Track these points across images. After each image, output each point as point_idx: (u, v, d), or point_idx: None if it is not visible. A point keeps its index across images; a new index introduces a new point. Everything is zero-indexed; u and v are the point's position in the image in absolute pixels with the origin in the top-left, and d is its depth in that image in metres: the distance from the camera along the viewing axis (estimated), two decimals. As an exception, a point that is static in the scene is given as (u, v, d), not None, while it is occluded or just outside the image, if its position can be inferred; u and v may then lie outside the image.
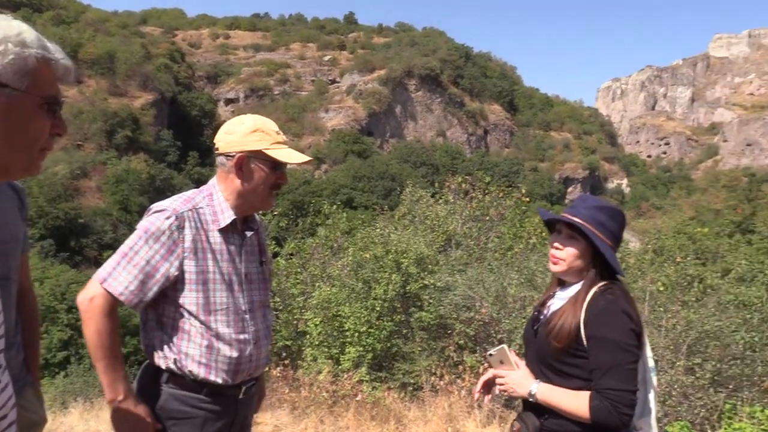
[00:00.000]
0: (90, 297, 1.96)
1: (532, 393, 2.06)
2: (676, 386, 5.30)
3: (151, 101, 71.53)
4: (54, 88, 1.31)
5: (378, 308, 7.27)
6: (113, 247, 37.88)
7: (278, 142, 2.14)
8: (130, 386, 2.01)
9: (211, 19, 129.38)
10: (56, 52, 1.31)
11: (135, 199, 55.24)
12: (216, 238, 2.08)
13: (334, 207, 11.07)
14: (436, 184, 12.90)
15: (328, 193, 67.02)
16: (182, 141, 71.94)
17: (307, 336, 7.55)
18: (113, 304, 1.98)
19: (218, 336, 2.05)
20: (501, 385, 2.17)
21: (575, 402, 1.96)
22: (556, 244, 2.15)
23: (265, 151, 2.09)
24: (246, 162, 2.09)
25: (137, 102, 69.74)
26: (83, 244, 50.33)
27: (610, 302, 1.97)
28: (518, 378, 2.13)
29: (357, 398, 5.75)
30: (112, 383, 1.97)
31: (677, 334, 5.78)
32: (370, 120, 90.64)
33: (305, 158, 2.17)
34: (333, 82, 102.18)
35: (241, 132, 2.11)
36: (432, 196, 11.50)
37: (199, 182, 2.30)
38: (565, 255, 2.12)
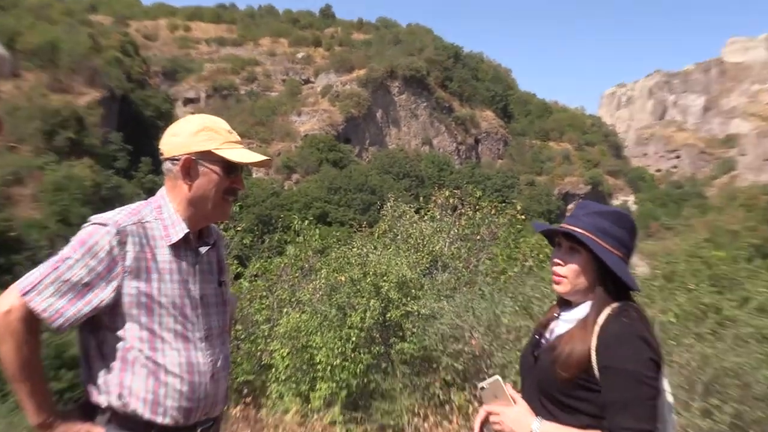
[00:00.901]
0: (6, 309, 1.89)
1: (534, 432, 2.00)
2: (691, 431, 5.31)
3: (99, 99, 70.89)
4: None
5: (354, 338, 7.22)
6: (51, 265, 37.08)
7: (230, 141, 2.13)
8: (57, 408, 1.97)
9: (170, 9, 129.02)
10: None
11: (77, 210, 54.39)
12: (165, 255, 2.05)
13: (306, 222, 11.02)
14: (421, 199, 12.95)
15: (299, 207, 66.92)
16: (134, 145, 71.30)
17: (273, 370, 7.47)
18: (33, 321, 1.91)
19: (167, 369, 2.01)
20: (496, 424, 2.07)
21: (584, 443, 1.90)
22: (556, 260, 2.12)
23: (215, 152, 2.09)
24: (193, 165, 2.08)
25: (82, 99, 69.07)
26: (14, 261, 49.40)
27: (625, 326, 1.92)
28: (516, 415, 2.04)
29: (329, 442, 5.68)
30: (40, 406, 1.92)
31: (691, 371, 5.79)
32: (347, 125, 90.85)
33: (261, 157, 2.17)
34: (306, 82, 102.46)
35: (187, 132, 2.10)
36: (416, 212, 11.51)
37: (152, 192, 2.29)
38: (566, 271, 2.08)
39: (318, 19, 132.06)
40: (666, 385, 2.02)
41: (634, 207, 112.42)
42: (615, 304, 2.00)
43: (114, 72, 77.23)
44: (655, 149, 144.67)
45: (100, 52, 77.56)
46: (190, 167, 2.08)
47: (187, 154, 2.07)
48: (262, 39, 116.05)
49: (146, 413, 1.99)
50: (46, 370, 2.06)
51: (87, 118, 66.77)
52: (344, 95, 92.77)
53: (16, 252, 50.31)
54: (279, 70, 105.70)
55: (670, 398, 2.03)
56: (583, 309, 2.07)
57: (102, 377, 2.00)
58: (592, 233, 2.03)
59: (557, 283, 2.11)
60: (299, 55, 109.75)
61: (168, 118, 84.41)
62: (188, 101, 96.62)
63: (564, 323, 2.13)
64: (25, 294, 1.90)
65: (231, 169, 2.12)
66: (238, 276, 9.85)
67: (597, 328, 1.95)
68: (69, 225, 53.27)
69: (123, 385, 1.98)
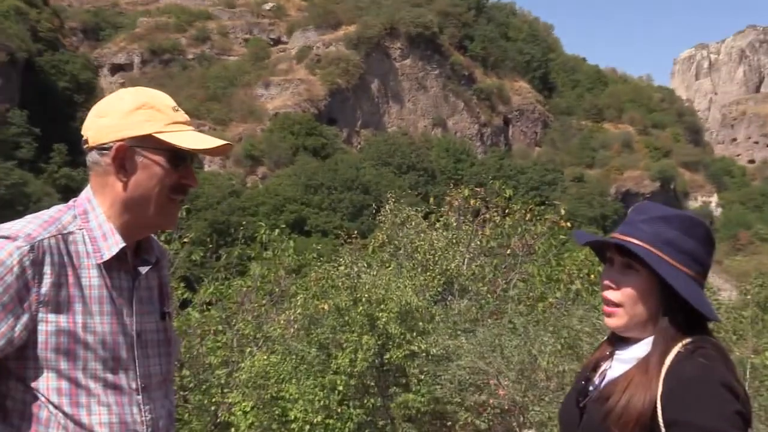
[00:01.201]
0: None
1: None
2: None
3: (-5, 65, 70.91)
4: None
5: (341, 387, 7.25)
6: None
7: (177, 122, 2.14)
8: None
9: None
10: None
11: (-35, 215, 54.51)
12: (93, 278, 2.05)
13: (276, 232, 11.05)
14: (432, 200, 12.99)
15: (267, 211, 66.85)
16: (43, 127, 71.19)
17: (232, 430, 7.49)
18: None
19: (93, 429, 2.01)
20: None
21: None
22: (607, 282, 2.11)
23: (157, 136, 2.08)
24: (129, 154, 2.07)
25: (-29, 66, 69.04)
26: None
27: (701, 369, 1.92)
28: None
29: None
30: None
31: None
32: (332, 101, 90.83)
33: (220, 141, 2.18)
34: (277, 42, 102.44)
35: (119, 111, 2.10)
36: (425, 218, 11.56)
37: (68, 191, 2.24)
38: (621, 297, 2.08)
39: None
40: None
41: (717, 211, 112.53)
42: (687, 340, 2.00)
43: (14, 28, 77.03)
44: (747, 133, 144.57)
45: (-5, 2, 77.45)
46: (124, 158, 2.06)
47: (120, 140, 2.05)
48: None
49: None
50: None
51: (-22, 91, 66.68)
52: (327, 60, 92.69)
53: None
54: (239, 26, 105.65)
55: None
56: (645, 346, 2.08)
57: None
58: (653, 246, 2.03)
59: (609, 315, 2.12)
60: (267, 6, 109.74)
61: (89, 91, 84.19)
62: (117, 68, 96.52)
63: (619, 364, 2.14)
64: None
65: (179, 159, 2.11)
66: (184, 304, 9.86)
67: (663, 372, 1.96)
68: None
69: (32, 453, 1.98)
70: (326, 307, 8.31)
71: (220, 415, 7.93)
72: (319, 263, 11.08)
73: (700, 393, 1.88)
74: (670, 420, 1.89)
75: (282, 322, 9.02)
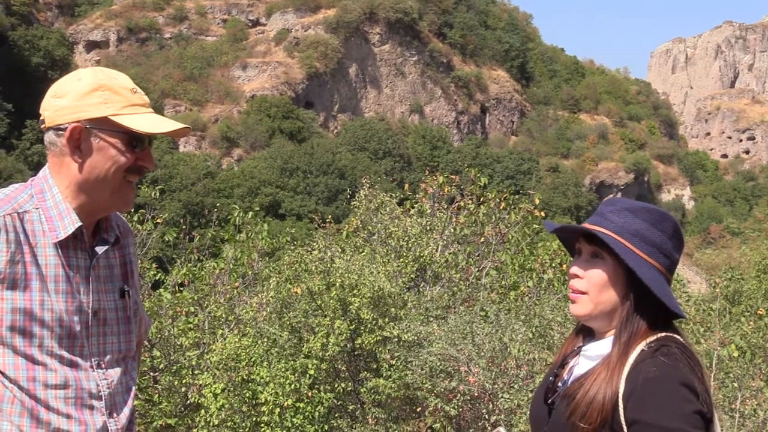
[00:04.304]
0: None
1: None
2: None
3: (-32, 40, 70.07)
4: None
5: (312, 371, 7.26)
6: None
7: (134, 104, 2.15)
8: None
9: None
10: None
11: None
12: (49, 257, 2.07)
13: (251, 214, 11.02)
14: (407, 186, 12.99)
15: (242, 193, 66.71)
16: (15, 103, 70.49)
17: (202, 412, 7.49)
18: None
19: (48, 405, 2.03)
20: None
21: None
22: (573, 271, 2.14)
23: (113, 118, 2.09)
24: (85, 135, 2.09)
25: (-54, 40, 68.18)
26: None
27: (662, 369, 1.95)
28: None
29: None
30: None
31: (758, 425, 5.92)
32: (309, 84, 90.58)
33: (176, 125, 2.19)
34: (255, 24, 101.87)
35: (76, 92, 2.10)
36: (399, 204, 11.56)
37: (41, 168, 2.29)
38: (586, 285, 2.10)
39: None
40: (720, 441, 2.05)
41: (690, 204, 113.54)
42: (651, 338, 2.04)
43: (-11, 2, 76.14)
44: (721, 127, 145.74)
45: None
46: (79, 139, 2.09)
47: (76, 121, 2.08)
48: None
49: None
50: None
51: (-50, 65, 65.90)
52: (306, 43, 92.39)
53: None
54: (218, 6, 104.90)
55: None
56: (610, 342, 2.10)
57: None
58: (620, 236, 2.05)
59: (574, 302, 2.14)
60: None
61: (64, 67, 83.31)
62: (93, 45, 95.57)
63: (585, 360, 2.17)
64: None
65: (135, 141, 2.13)
66: (156, 285, 9.82)
67: (626, 370, 1.99)
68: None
69: (-12, 426, 2.00)
70: (299, 291, 8.31)
71: (190, 396, 7.92)
72: (293, 247, 11.08)
73: (660, 393, 1.92)
74: (631, 419, 1.93)
75: (254, 305, 9.00)
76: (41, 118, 2.14)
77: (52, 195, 2.11)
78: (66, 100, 2.09)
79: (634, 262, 2.01)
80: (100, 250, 2.19)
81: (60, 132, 2.09)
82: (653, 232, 2.07)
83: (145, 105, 2.18)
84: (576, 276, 2.12)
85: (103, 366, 2.16)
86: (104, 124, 2.09)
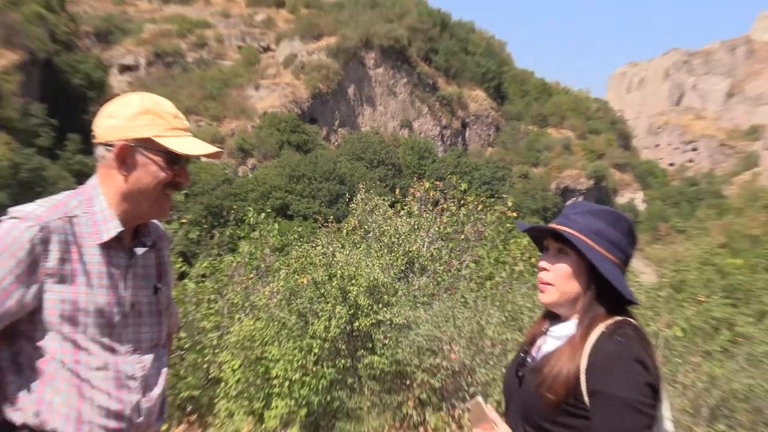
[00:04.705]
0: None
1: (516, 460, 2.08)
2: (693, 458, 5.47)
3: (18, 63, 69.66)
4: None
5: (316, 350, 7.28)
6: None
7: (175, 128, 2.17)
8: None
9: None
10: None
11: (-10, 194, 53.66)
12: (94, 256, 2.09)
13: (263, 215, 11.02)
14: (398, 191, 13.03)
15: (256, 197, 66.51)
16: (59, 119, 70.09)
17: (222, 384, 7.50)
18: None
19: (92, 384, 2.06)
20: None
21: (570, 474, 1.98)
22: (542, 265, 2.19)
23: (156, 139, 2.12)
24: (131, 153, 2.11)
25: (-2, 64, 67.86)
26: None
27: (619, 346, 1.98)
28: None
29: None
30: None
31: (697, 393, 5.97)
32: (313, 102, 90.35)
33: (211, 149, 2.21)
34: (266, 50, 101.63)
35: (125, 114, 2.12)
36: (391, 206, 11.59)
37: (82, 176, 2.25)
38: (553, 277, 2.15)
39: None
40: (666, 409, 2.09)
41: (642, 206, 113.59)
42: (609, 321, 2.07)
43: (35, 31, 75.70)
44: (668, 140, 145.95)
45: (17, 6, 76.10)
46: (126, 156, 2.10)
47: (124, 140, 2.09)
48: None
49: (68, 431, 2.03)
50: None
51: (3, 86, 65.59)
52: (310, 67, 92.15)
53: None
54: (234, 34, 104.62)
55: (669, 426, 2.09)
56: (574, 324, 2.14)
57: (17, 392, 2.02)
58: (583, 234, 2.10)
59: (542, 291, 2.18)
60: (258, 18, 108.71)
61: (100, 87, 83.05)
62: (125, 68, 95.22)
63: (552, 340, 2.20)
64: None
65: (174, 160, 2.15)
66: (182, 275, 9.84)
67: (588, 348, 2.03)
68: (-20, 212, 52.28)
69: (41, 400, 2.00)
70: (305, 281, 8.33)
71: (211, 371, 7.93)
72: (299, 243, 11.08)
73: (616, 367, 1.96)
74: (592, 390, 1.98)
75: (266, 293, 9.00)
76: (94, 133, 2.16)
77: (98, 202, 2.13)
78: (117, 121, 2.11)
79: (595, 257, 2.06)
80: (138, 251, 2.22)
81: (109, 148, 2.11)
82: (611, 231, 2.11)
83: (185, 129, 2.21)
84: (544, 269, 2.17)
85: (138, 352, 2.19)
86: (148, 144, 2.11)
